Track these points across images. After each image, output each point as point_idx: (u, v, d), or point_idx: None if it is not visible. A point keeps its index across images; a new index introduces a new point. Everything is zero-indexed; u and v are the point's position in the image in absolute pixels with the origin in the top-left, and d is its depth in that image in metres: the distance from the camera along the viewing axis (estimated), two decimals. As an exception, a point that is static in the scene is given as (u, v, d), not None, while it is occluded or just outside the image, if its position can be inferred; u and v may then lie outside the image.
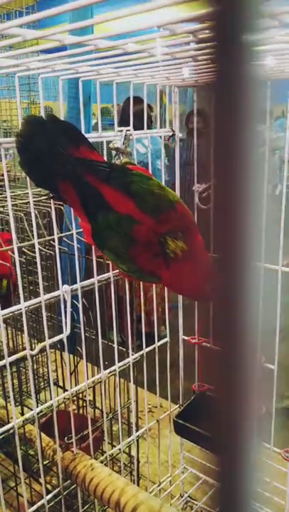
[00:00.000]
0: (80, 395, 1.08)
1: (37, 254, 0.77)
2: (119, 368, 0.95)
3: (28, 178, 0.71)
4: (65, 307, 0.81)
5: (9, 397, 0.78)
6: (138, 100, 0.95)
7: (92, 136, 0.78)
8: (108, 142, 0.81)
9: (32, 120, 0.64)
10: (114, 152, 0.82)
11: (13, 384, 0.77)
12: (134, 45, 0.47)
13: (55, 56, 0.54)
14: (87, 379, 0.90)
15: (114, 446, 1.03)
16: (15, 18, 1.68)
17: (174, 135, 0.96)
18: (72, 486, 0.89)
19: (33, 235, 0.84)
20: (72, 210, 0.74)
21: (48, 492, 0.87)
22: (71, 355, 1.02)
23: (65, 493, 0.88)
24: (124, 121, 0.95)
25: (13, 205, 0.98)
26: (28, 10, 1.62)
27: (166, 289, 1.00)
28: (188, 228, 0.69)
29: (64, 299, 0.81)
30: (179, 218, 0.69)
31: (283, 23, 0.36)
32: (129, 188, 0.66)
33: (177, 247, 0.67)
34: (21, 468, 0.83)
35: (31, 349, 0.77)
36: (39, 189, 1.37)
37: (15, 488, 1.09)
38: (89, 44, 0.45)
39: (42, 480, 0.84)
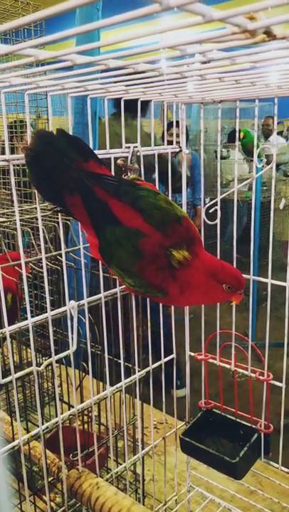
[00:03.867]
0: (85, 411, 1.07)
1: (44, 270, 0.77)
2: (125, 384, 0.95)
3: (36, 193, 0.71)
4: (72, 323, 0.80)
5: (14, 413, 0.78)
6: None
7: (99, 153, 0.78)
8: (116, 158, 0.82)
9: (42, 134, 0.64)
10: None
11: (18, 399, 0.76)
12: (145, 65, 0.48)
13: (65, 75, 0.55)
14: (93, 395, 0.89)
15: (120, 464, 1.02)
16: (23, 36, 1.70)
17: (180, 151, 0.96)
18: (77, 505, 0.88)
19: (39, 250, 0.84)
20: (79, 224, 0.74)
21: (53, 510, 0.86)
22: (76, 371, 1.01)
23: (70, 511, 0.87)
24: None
25: (20, 219, 0.98)
26: (36, 28, 1.65)
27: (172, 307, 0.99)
28: (193, 240, 0.70)
29: (71, 315, 0.80)
30: (184, 232, 0.70)
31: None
32: (137, 203, 0.67)
33: (181, 255, 0.68)
34: (26, 486, 0.83)
35: (37, 365, 0.76)
36: (46, 203, 1.38)
37: (19, 506, 1.07)
38: (100, 63, 0.46)
39: (47, 498, 0.83)
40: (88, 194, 0.65)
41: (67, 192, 0.65)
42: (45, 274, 0.78)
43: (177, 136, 1.00)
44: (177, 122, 0.97)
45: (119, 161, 0.81)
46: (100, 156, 0.78)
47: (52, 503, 1.07)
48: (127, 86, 0.65)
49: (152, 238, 0.67)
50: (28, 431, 0.82)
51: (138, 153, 0.83)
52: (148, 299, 0.91)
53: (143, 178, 0.82)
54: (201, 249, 0.73)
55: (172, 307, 1.00)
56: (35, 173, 0.65)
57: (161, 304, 0.95)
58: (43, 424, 0.80)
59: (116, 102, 1.20)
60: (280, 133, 6.73)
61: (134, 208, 0.67)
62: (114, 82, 0.65)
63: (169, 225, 0.68)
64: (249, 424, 1.00)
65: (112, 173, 0.81)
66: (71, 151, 0.64)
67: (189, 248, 0.70)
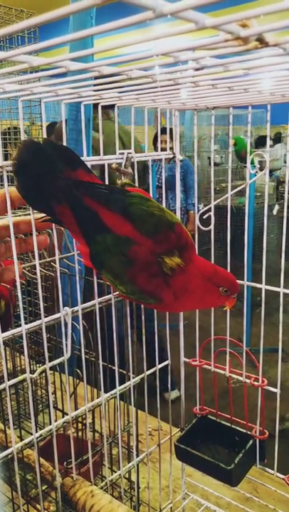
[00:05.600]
0: (80, 419, 1.06)
1: (38, 276, 0.77)
2: (119, 391, 0.94)
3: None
4: (66, 329, 0.80)
5: (8, 421, 0.77)
6: None
7: (93, 159, 0.78)
8: (109, 164, 0.82)
9: (28, 144, 0.64)
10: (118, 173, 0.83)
11: (11, 406, 0.75)
12: (139, 72, 0.48)
13: (59, 81, 0.55)
14: (87, 402, 0.89)
15: (114, 471, 1.01)
16: (17, 43, 1.71)
17: (174, 157, 0.97)
18: (72, 513, 0.87)
19: (33, 256, 0.84)
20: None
21: (47, 519, 0.85)
22: (70, 377, 1.01)
23: (64, 520, 0.86)
24: None
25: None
26: (30, 35, 1.65)
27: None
28: (186, 246, 0.70)
29: (65, 321, 0.80)
30: (177, 238, 0.69)
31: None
32: (127, 210, 0.67)
33: (173, 262, 0.68)
34: (20, 494, 0.82)
35: (31, 372, 0.76)
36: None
37: (12, 515, 1.06)
38: (93, 70, 0.46)
39: (41, 506, 0.82)
40: (77, 203, 0.64)
41: (56, 201, 0.64)
42: (39, 281, 0.77)
43: (165, 142, 1.00)
44: (166, 129, 0.98)
45: (113, 165, 0.81)
46: (93, 163, 0.78)
47: (46, 512, 1.06)
48: (120, 93, 0.65)
49: (143, 246, 0.66)
50: (21, 439, 0.81)
51: (132, 159, 0.83)
52: (142, 306, 0.91)
53: (137, 184, 0.82)
54: (194, 254, 0.73)
55: (167, 313, 1.00)
56: (22, 182, 0.64)
57: (155, 311, 0.95)
58: (36, 431, 0.79)
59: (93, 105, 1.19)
60: (277, 139, 6.79)
61: (125, 215, 0.67)
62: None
63: (160, 232, 0.68)
64: (244, 431, 1.00)
65: (106, 178, 0.81)
66: (58, 160, 0.64)
67: (182, 254, 0.70)
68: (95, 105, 0.79)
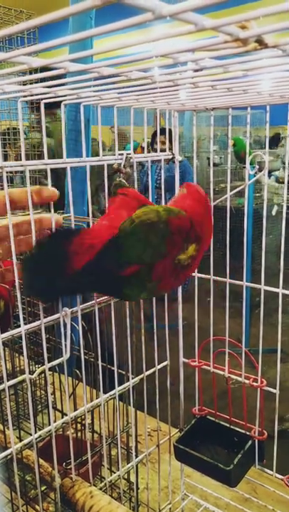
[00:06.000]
0: (79, 419, 1.06)
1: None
2: (118, 391, 0.94)
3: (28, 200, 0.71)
4: (65, 330, 0.80)
5: (7, 421, 0.77)
6: None
7: (92, 160, 0.78)
8: (109, 166, 0.82)
9: (42, 242, 0.65)
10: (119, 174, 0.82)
11: (10, 407, 0.75)
12: (138, 73, 0.48)
13: (58, 82, 0.55)
14: (86, 403, 0.89)
15: (113, 472, 1.01)
16: (16, 43, 1.71)
17: (173, 158, 0.97)
18: (71, 514, 0.87)
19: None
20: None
21: (46, 520, 0.85)
22: (69, 378, 1.01)
23: (63, 521, 0.86)
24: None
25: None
26: (29, 36, 1.65)
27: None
28: (188, 232, 0.70)
29: (64, 322, 0.80)
30: (178, 234, 0.69)
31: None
32: (125, 263, 0.66)
33: (188, 254, 0.70)
34: (19, 495, 0.82)
35: (30, 373, 0.76)
36: (39, 210, 1.38)
37: (11, 516, 1.06)
38: (93, 71, 0.46)
39: (40, 507, 0.82)
40: (87, 289, 0.69)
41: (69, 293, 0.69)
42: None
43: (163, 143, 1.00)
44: (162, 130, 0.98)
45: (114, 165, 0.82)
46: (92, 164, 0.78)
47: (45, 513, 1.06)
48: (119, 93, 0.65)
49: (160, 266, 0.67)
50: (20, 439, 0.81)
51: (131, 160, 0.84)
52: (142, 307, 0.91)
53: (136, 186, 0.82)
54: (199, 229, 0.72)
55: (166, 313, 1.00)
56: (34, 280, 0.64)
57: (154, 312, 0.95)
58: (35, 432, 0.79)
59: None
60: (278, 139, 6.80)
61: (129, 264, 0.66)
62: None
63: (164, 245, 0.67)
64: (243, 431, 1.00)
65: (106, 179, 0.81)
66: (60, 251, 0.63)
67: (190, 239, 0.70)
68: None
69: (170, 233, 0.67)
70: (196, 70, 0.52)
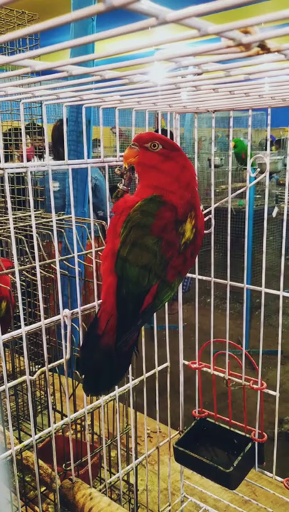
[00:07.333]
0: (78, 420, 1.06)
1: (38, 278, 0.77)
2: (118, 393, 0.94)
3: (29, 200, 0.71)
4: (66, 331, 0.80)
5: (7, 422, 0.77)
6: None
7: (95, 162, 0.78)
8: (110, 167, 0.82)
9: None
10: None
11: (10, 408, 0.75)
12: (141, 76, 0.48)
13: (60, 85, 0.55)
14: (86, 404, 0.89)
15: (113, 473, 1.01)
16: (18, 45, 1.71)
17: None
18: (70, 515, 0.87)
19: (33, 257, 0.84)
20: (74, 233, 0.74)
21: (45, 521, 0.85)
22: (69, 379, 1.01)
23: (62, 522, 0.86)
24: None
25: (14, 227, 0.98)
26: (31, 37, 1.65)
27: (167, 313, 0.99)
28: (181, 214, 0.71)
29: (64, 323, 0.80)
30: (172, 217, 0.70)
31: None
32: (125, 283, 0.71)
33: (187, 235, 0.72)
34: (18, 496, 0.82)
35: (31, 374, 0.76)
36: (40, 211, 1.38)
37: (10, 517, 1.06)
38: (95, 74, 0.46)
39: (39, 508, 0.82)
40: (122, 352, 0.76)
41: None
42: (38, 282, 0.77)
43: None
44: (166, 131, 0.98)
45: (116, 170, 0.82)
46: (95, 165, 0.79)
47: (44, 514, 1.06)
48: (121, 96, 0.65)
49: (170, 270, 0.71)
50: (20, 440, 0.81)
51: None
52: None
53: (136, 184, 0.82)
54: (197, 206, 0.75)
55: (166, 316, 1.00)
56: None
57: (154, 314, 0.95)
58: (35, 433, 0.79)
59: None
60: (278, 141, 6.79)
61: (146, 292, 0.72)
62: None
63: (160, 239, 0.69)
64: (243, 434, 1.00)
65: (106, 179, 0.81)
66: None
67: (186, 219, 0.72)
68: None
69: (159, 241, 0.69)
70: (198, 74, 0.52)
